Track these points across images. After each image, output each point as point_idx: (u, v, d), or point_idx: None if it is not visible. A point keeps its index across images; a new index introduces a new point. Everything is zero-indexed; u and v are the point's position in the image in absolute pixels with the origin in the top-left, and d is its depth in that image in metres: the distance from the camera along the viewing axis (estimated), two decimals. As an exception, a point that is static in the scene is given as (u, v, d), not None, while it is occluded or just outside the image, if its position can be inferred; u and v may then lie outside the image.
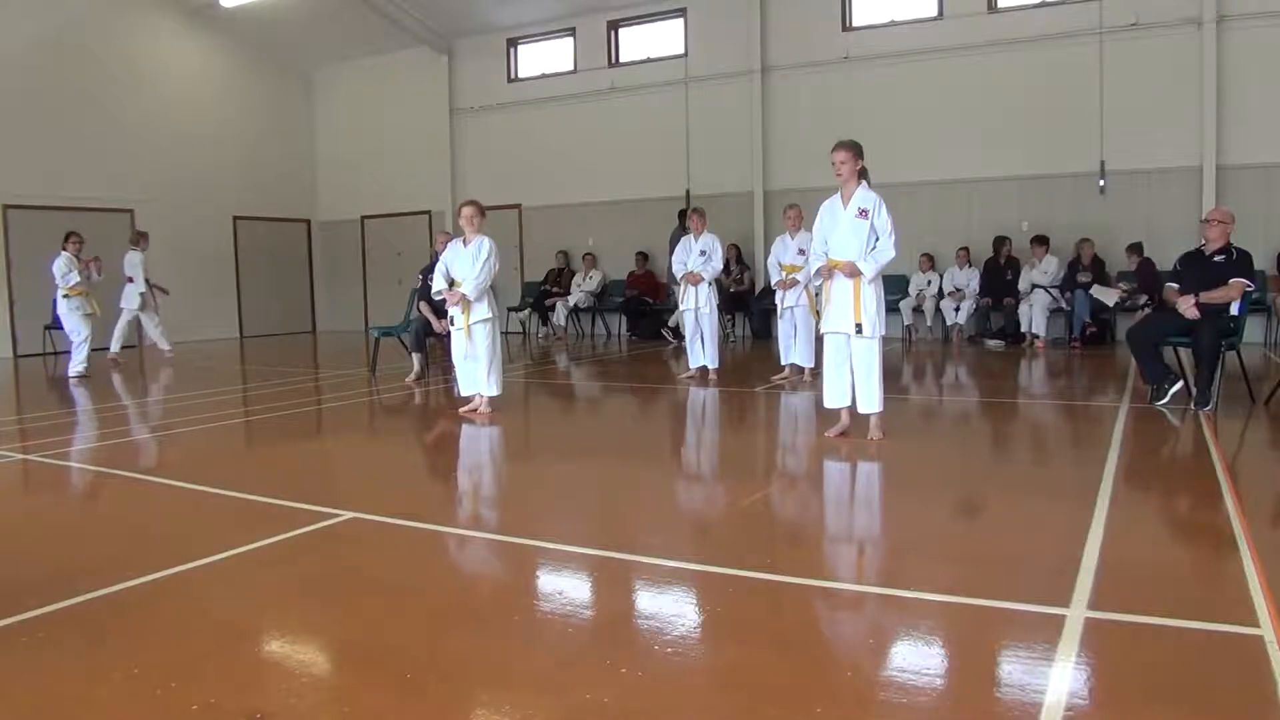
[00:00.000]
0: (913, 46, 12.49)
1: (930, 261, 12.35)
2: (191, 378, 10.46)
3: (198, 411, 7.61)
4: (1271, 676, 2.29)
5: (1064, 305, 11.19)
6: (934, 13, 12.50)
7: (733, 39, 13.75)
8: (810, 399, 7.44)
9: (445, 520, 4.26)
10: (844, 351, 5.53)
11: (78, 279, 10.35)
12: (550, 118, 15.35)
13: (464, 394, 7.02)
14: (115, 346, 12.01)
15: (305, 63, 17.53)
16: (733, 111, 13.80)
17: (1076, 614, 2.72)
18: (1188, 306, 6.30)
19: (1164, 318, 6.78)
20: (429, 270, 8.27)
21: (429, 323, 8.81)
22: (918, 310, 12.40)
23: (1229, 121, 10.87)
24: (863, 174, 5.44)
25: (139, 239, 12.46)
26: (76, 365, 10.21)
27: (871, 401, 5.48)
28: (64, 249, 10.47)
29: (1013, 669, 2.42)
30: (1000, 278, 11.75)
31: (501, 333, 7.43)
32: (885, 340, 5.57)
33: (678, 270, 8.77)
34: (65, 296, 10.31)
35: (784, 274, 8.50)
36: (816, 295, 8.66)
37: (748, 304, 13.38)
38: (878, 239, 5.37)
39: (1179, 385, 6.47)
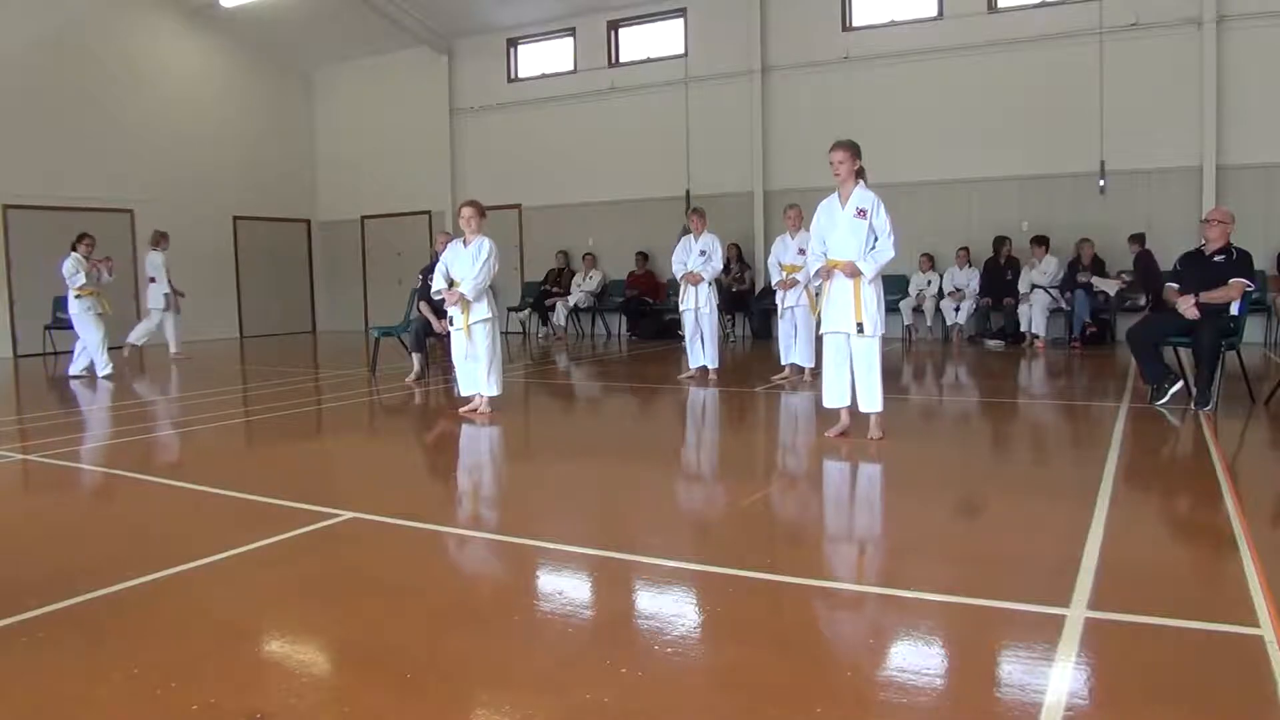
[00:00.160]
0: (913, 46, 12.49)
1: (930, 261, 12.35)
2: (192, 378, 10.46)
3: (198, 411, 7.61)
4: (1271, 676, 2.29)
5: (1064, 305, 11.20)
6: (934, 13, 12.50)
7: (733, 39, 13.75)
8: (810, 399, 7.44)
9: (445, 520, 4.25)
10: (844, 351, 5.53)
11: (84, 280, 10.35)
12: (550, 118, 15.35)
13: (464, 394, 7.02)
14: (173, 346, 12.43)
15: (305, 63, 17.53)
16: (733, 111, 13.80)
17: (1076, 614, 2.72)
18: (1188, 306, 6.30)
19: (1164, 318, 6.78)
20: (429, 270, 8.28)
21: (429, 323, 8.81)
22: (918, 310, 12.40)
23: (1229, 121, 10.87)
24: (860, 174, 5.44)
25: (159, 239, 12.56)
26: (104, 366, 10.17)
27: (873, 401, 5.48)
28: (74, 250, 10.47)
29: (1013, 669, 2.42)
30: (1000, 278, 11.75)
31: (501, 333, 7.43)
32: (885, 340, 5.57)
33: (677, 270, 8.77)
34: (77, 297, 10.30)
35: (784, 274, 8.50)
36: (817, 295, 8.69)
37: (748, 304, 13.38)
38: (876, 239, 5.37)
39: (1179, 385, 6.47)
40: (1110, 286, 10.86)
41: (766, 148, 13.65)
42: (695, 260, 8.62)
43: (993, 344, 11.57)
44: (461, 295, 6.66)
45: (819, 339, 5.95)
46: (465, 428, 6.56)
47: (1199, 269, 6.51)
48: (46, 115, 13.58)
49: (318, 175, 18.07)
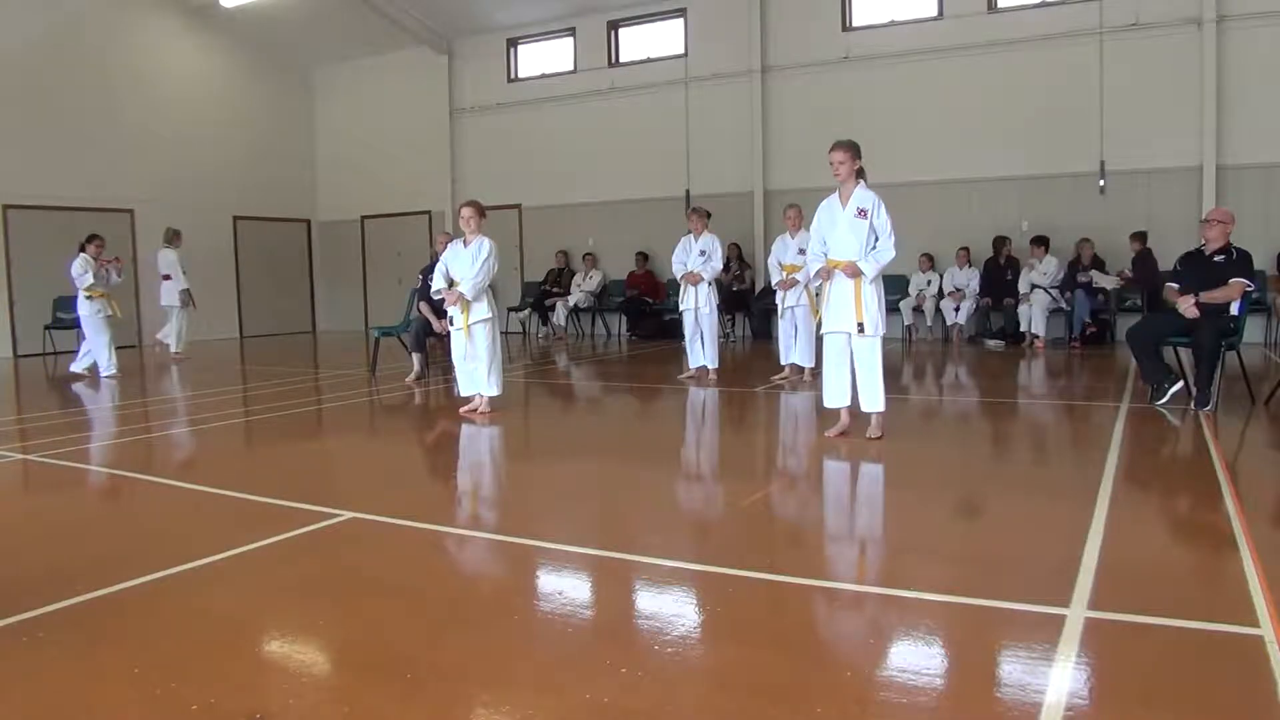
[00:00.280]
0: (913, 46, 12.49)
1: (930, 261, 12.35)
2: (192, 378, 10.46)
3: (198, 411, 7.61)
4: (1271, 676, 2.29)
5: (1064, 305, 11.20)
6: (934, 13, 12.50)
7: (733, 39, 13.75)
8: (810, 399, 7.44)
9: (445, 520, 4.25)
10: (844, 351, 5.53)
11: (93, 280, 10.35)
12: (550, 118, 15.35)
13: (464, 394, 7.02)
14: (174, 345, 12.51)
15: (305, 63, 17.53)
16: (733, 111, 13.80)
17: (1076, 614, 2.72)
18: (1187, 306, 6.30)
19: (1164, 318, 6.78)
20: (429, 270, 8.28)
21: (429, 323, 8.81)
22: (918, 310, 12.41)
23: (1229, 121, 10.88)
24: (860, 174, 5.45)
25: (174, 237, 12.65)
26: (108, 367, 10.17)
27: (874, 400, 5.48)
28: (83, 250, 10.47)
29: (1013, 669, 2.42)
30: (1000, 278, 11.75)
31: (501, 333, 7.42)
32: (885, 340, 5.57)
33: (677, 270, 8.77)
34: (87, 299, 10.30)
35: (784, 274, 8.50)
36: (817, 295, 8.69)
37: (748, 304, 13.38)
38: (877, 239, 5.37)
39: (1179, 385, 6.47)
40: (1109, 283, 10.87)
41: (766, 148, 13.65)
42: (695, 260, 8.62)
43: (993, 344, 11.57)
44: (461, 295, 6.66)
45: (819, 339, 5.96)
46: (465, 428, 6.56)
47: (1199, 269, 6.51)
48: (46, 115, 13.58)
49: (318, 175, 18.07)
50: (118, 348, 10.52)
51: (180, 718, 2.22)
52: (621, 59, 14.99)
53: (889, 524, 4.17)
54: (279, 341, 15.79)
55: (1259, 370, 8.41)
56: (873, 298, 5.40)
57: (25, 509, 4.77)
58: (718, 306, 8.91)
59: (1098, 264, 11.09)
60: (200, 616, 2.94)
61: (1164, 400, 6.44)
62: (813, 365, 8.43)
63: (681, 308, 8.80)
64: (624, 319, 14.42)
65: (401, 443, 6.65)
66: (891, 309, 10.47)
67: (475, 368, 6.86)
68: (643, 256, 14.30)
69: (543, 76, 15.63)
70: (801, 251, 8.38)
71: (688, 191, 14.12)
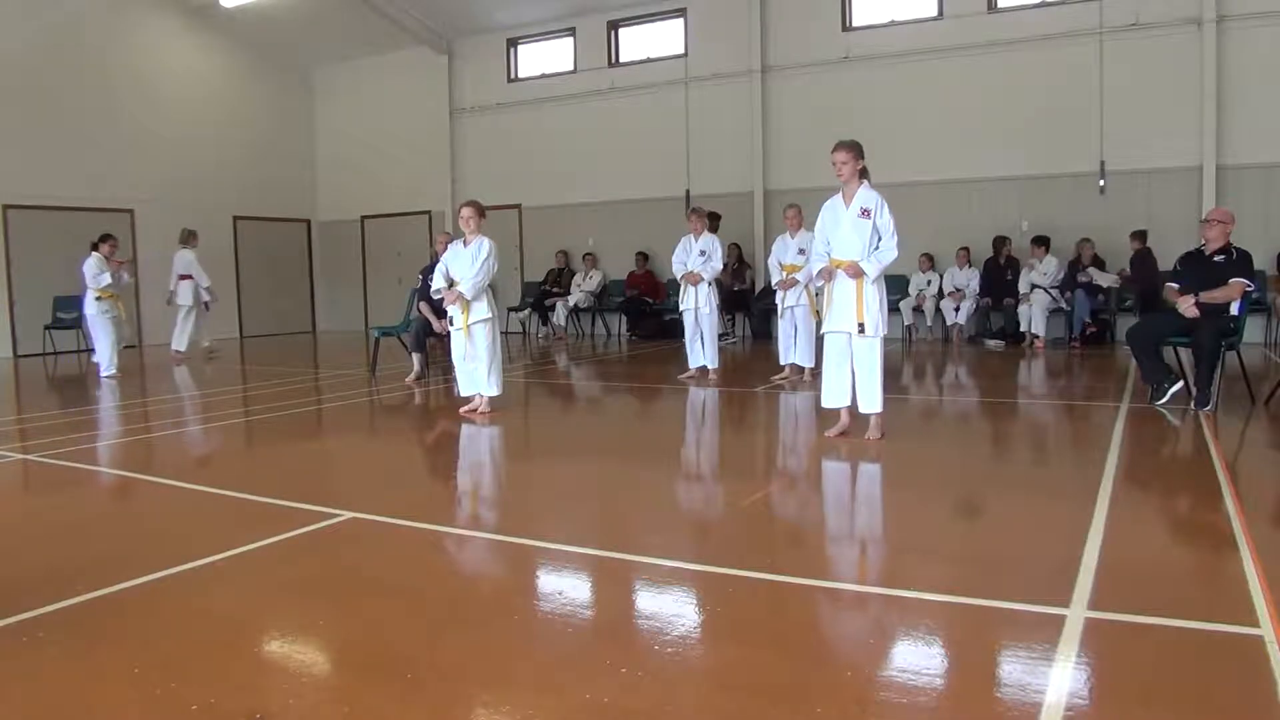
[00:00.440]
0: (913, 46, 12.49)
1: (930, 261, 12.35)
2: (192, 378, 10.46)
3: (198, 411, 7.61)
4: (1271, 676, 2.29)
5: (1064, 305, 11.20)
6: (934, 13, 12.50)
7: (733, 39, 13.75)
8: (810, 399, 7.44)
9: (445, 520, 4.26)
10: (844, 351, 5.53)
11: (109, 281, 10.37)
12: (550, 118, 15.34)
13: (464, 394, 7.02)
14: (206, 340, 12.86)
15: (305, 63, 17.53)
16: (733, 111, 13.80)
17: (1076, 614, 2.72)
18: (1187, 306, 6.30)
19: (1164, 318, 6.78)
20: (429, 270, 8.28)
21: (429, 323, 8.81)
22: (918, 310, 12.41)
23: (1229, 121, 10.87)
24: (863, 174, 5.45)
25: (189, 238, 12.75)
26: (109, 367, 10.19)
27: (873, 401, 5.48)
28: (96, 250, 10.49)
29: (1013, 669, 2.42)
30: (1000, 278, 11.75)
31: (501, 333, 7.42)
32: (885, 340, 5.56)
33: (677, 270, 8.77)
34: (97, 299, 10.32)
35: (784, 274, 8.50)
36: (817, 295, 8.68)
37: (748, 304, 13.38)
38: (880, 239, 5.37)
39: (1179, 385, 6.47)
40: (1106, 280, 10.86)
41: (766, 148, 13.65)
42: (695, 260, 8.62)
43: (993, 344, 11.57)
44: (460, 295, 6.65)
45: (819, 339, 5.95)
46: (465, 428, 6.56)
47: (1199, 269, 6.51)
48: (46, 115, 13.58)
49: (318, 175, 18.07)
50: (131, 346, 10.52)
51: (180, 718, 2.22)
52: (621, 59, 14.98)
53: (889, 524, 4.17)
54: (279, 341, 15.79)
55: (1259, 370, 8.41)
56: (874, 298, 5.41)
57: (25, 509, 4.77)
58: (717, 307, 8.91)
59: (1098, 264, 11.09)
60: (200, 616, 2.94)
61: (1164, 400, 6.44)
62: (813, 365, 8.43)
63: (681, 308, 8.80)
64: (624, 319, 14.41)
65: (401, 443, 6.65)
66: (891, 309, 10.42)
67: (475, 368, 6.86)
68: (643, 256, 14.30)
69: (543, 76, 15.63)
70: (801, 251, 8.39)
71: (688, 191, 14.12)
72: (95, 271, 10.30)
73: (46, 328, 13.48)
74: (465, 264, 6.70)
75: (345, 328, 17.49)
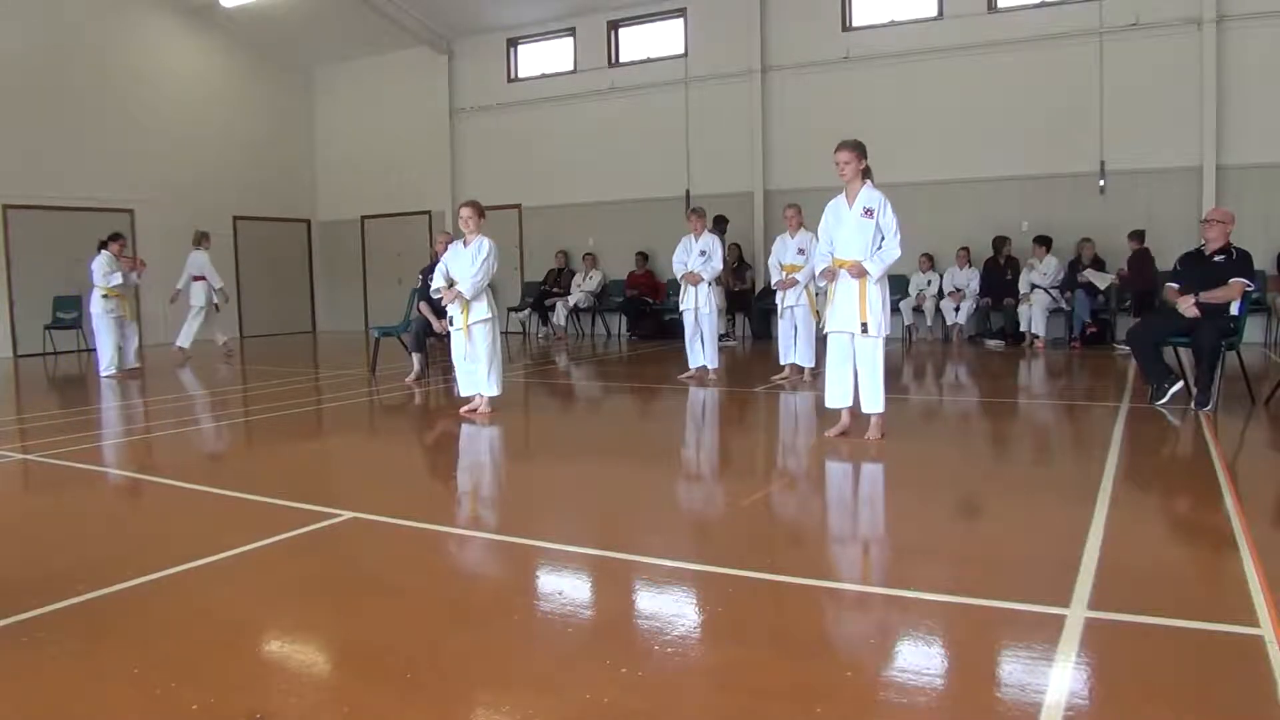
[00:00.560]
0: (913, 46, 12.49)
1: (930, 261, 12.35)
2: (192, 378, 10.46)
3: (198, 411, 7.61)
4: (1271, 676, 2.29)
5: (1064, 305, 11.20)
6: (934, 13, 12.50)
7: (733, 39, 13.75)
8: (810, 399, 7.44)
9: (445, 520, 4.26)
10: (847, 351, 5.53)
11: (119, 281, 10.38)
12: (550, 118, 15.34)
13: (464, 394, 7.02)
14: (220, 338, 13.07)
15: (305, 62, 17.52)
16: (733, 111, 13.80)
17: (1076, 614, 2.72)
18: (1187, 306, 6.30)
19: (1164, 318, 6.78)
20: (429, 270, 8.28)
21: (429, 323, 8.81)
22: (918, 310, 12.41)
23: (1229, 121, 10.87)
24: (866, 173, 5.45)
25: (202, 239, 12.90)
26: (109, 367, 10.22)
27: (875, 401, 5.48)
28: (105, 248, 10.51)
29: (1013, 669, 2.42)
30: (1000, 278, 11.75)
31: (501, 333, 7.43)
32: (886, 340, 5.56)
33: (678, 270, 8.77)
34: (104, 296, 10.33)
35: (784, 274, 8.50)
36: (817, 295, 8.68)
37: (748, 304, 13.38)
38: (883, 238, 5.37)
39: (1179, 385, 6.47)
40: (1102, 281, 10.85)
41: (766, 148, 13.65)
42: (695, 260, 8.62)
43: (993, 344, 11.57)
44: (460, 294, 6.65)
45: (819, 339, 5.95)
46: (465, 428, 6.56)
47: (1199, 269, 6.51)
48: (46, 115, 13.58)
49: (318, 175, 18.07)
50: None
51: (180, 718, 2.22)
52: (621, 59, 14.98)
53: (889, 524, 4.17)
54: (279, 341, 15.79)
55: (1259, 370, 8.41)
56: (877, 298, 5.40)
57: (25, 509, 4.77)
58: (718, 307, 8.90)
59: (1098, 264, 11.09)
60: (200, 616, 2.94)
61: (1164, 400, 6.44)
62: (812, 365, 8.44)
63: (681, 308, 8.79)
64: (624, 319, 14.41)
65: (401, 443, 6.65)
66: (891, 309, 10.46)
67: (475, 368, 6.86)
68: (643, 256, 14.30)
69: (543, 76, 15.63)
70: (801, 251, 8.40)
71: (688, 191, 14.12)
72: (105, 270, 10.31)
73: (46, 328, 13.48)
74: (465, 264, 6.70)
75: (345, 328, 17.49)
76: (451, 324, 6.89)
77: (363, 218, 17.68)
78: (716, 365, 8.73)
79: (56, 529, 4.19)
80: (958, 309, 11.92)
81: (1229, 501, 3.98)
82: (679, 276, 8.78)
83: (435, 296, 7.16)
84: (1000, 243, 11.86)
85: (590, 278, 14.79)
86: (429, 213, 16.68)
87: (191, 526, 4.14)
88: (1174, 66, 11.05)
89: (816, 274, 5.95)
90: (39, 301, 13.54)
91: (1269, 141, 10.67)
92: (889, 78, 12.63)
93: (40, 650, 2.66)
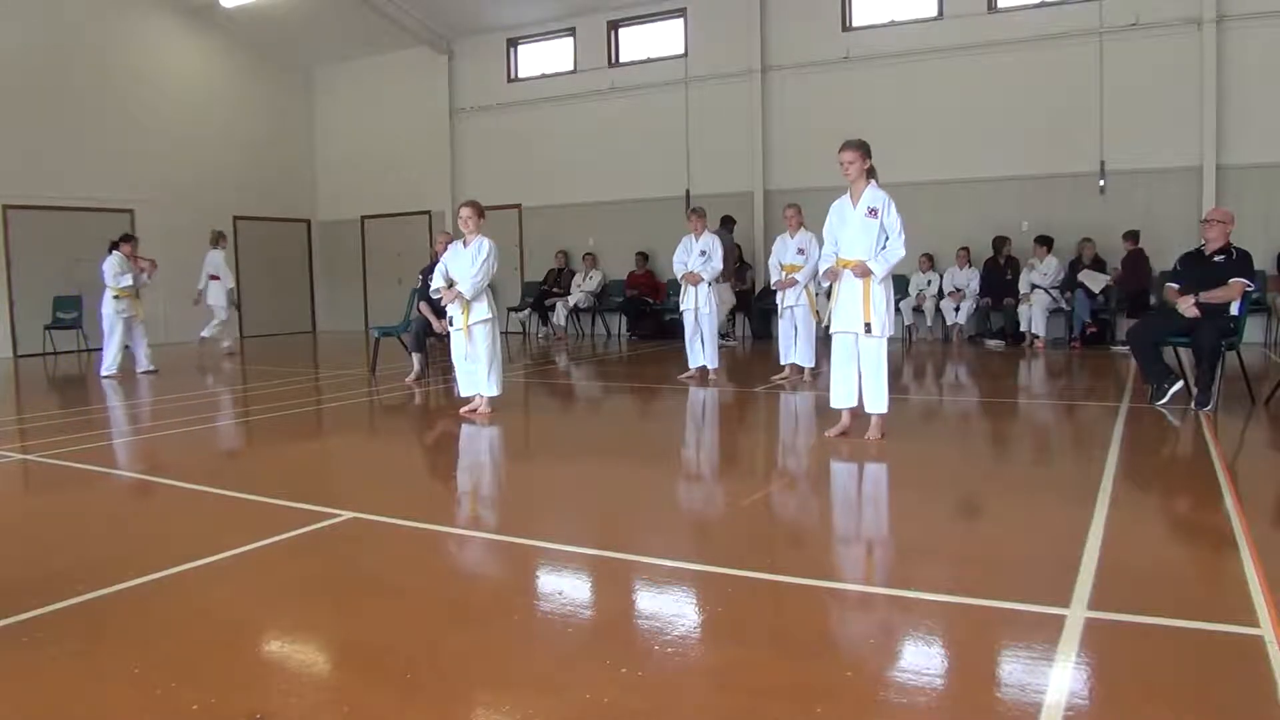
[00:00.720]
0: (913, 46, 12.49)
1: (930, 261, 12.36)
2: (192, 377, 10.46)
3: (198, 411, 7.61)
4: (1271, 676, 2.29)
5: (1064, 305, 11.20)
6: (934, 13, 12.50)
7: (733, 39, 13.75)
8: (810, 399, 7.44)
9: (445, 520, 4.26)
10: (851, 351, 5.52)
11: (130, 282, 10.40)
12: (550, 118, 15.35)
13: (464, 394, 7.02)
14: (225, 340, 13.21)
15: (305, 62, 17.53)
16: (733, 111, 13.80)
17: (1076, 614, 2.72)
18: (1187, 306, 6.30)
19: (1164, 318, 6.78)
20: (429, 270, 8.27)
21: (429, 323, 8.81)
22: (918, 310, 12.41)
23: (1229, 121, 10.88)
24: (871, 173, 5.45)
25: (219, 239, 13.19)
26: (110, 366, 10.24)
27: (878, 402, 5.48)
28: (116, 249, 10.54)
29: (1013, 669, 2.42)
30: (1000, 278, 11.75)
31: (501, 333, 7.43)
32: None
33: (678, 270, 8.76)
34: (115, 297, 10.36)
35: (784, 274, 8.49)
36: (817, 295, 8.68)
37: (748, 304, 13.38)
38: (887, 238, 5.37)
39: (1179, 385, 6.47)
40: (1098, 283, 10.85)
41: (766, 148, 13.65)
42: (695, 260, 8.62)
43: (993, 344, 11.57)
44: (460, 295, 6.65)
45: (819, 339, 5.95)
46: (465, 428, 6.56)
47: (1199, 269, 6.51)
48: (46, 115, 13.58)
49: (318, 175, 18.07)
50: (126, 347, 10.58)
51: (180, 718, 2.22)
52: (621, 59, 14.98)
53: (889, 524, 4.17)
54: (279, 341, 15.79)
55: (1259, 370, 8.41)
56: (881, 299, 5.40)
57: (26, 509, 4.77)
58: (718, 307, 8.89)
59: (1098, 264, 11.09)
60: (200, 616, 2.94)
61: (1164, 400, 6.44)
62: (813, 365, 8.44)
63: (682, 308, 8.79)
64: (624, 319, 14.41)
65: (401, 443, 6.65)
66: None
67: (475, 368, 6.86)
68: (643, 256, 14.30)
69: (543, 76, 15.63)
70: (801, 251, 8.40)
71: (688, 191, 14.12)
72: (116, 271, 10.35)
73: (46, 328, 13.49)
74: (465, 264, 6.70)
75: (345, 328, 17.49)
76: (451, 324, 6.89)
77: (363, 218, 17.68)
78: (716, 365, 8.73)
79: (56, 529, 4.19)
80: (958, 309, 11.93)
81: (1229, 501, 3.98)
82: (679, 276, 8.78)
83: (435, 297, 7.16)
84: (1000, 243, 11.86)
85: (590, 278, 14.79)
86: (429, 213, 16.68)
87: (191, 526, 4.14)
88: (1174, 66, 11.06)
89: (820, 274, 5.93)
90: (39, 301, 13.54)
91: (1269, 141, 10.67)
92: (889, 78, 12.64)
93: (40, 650, 2.66)
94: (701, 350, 8.69)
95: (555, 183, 15.35)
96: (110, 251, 10.49)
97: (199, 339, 13.15)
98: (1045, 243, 11.41)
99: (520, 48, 15.92)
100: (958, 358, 10.61)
